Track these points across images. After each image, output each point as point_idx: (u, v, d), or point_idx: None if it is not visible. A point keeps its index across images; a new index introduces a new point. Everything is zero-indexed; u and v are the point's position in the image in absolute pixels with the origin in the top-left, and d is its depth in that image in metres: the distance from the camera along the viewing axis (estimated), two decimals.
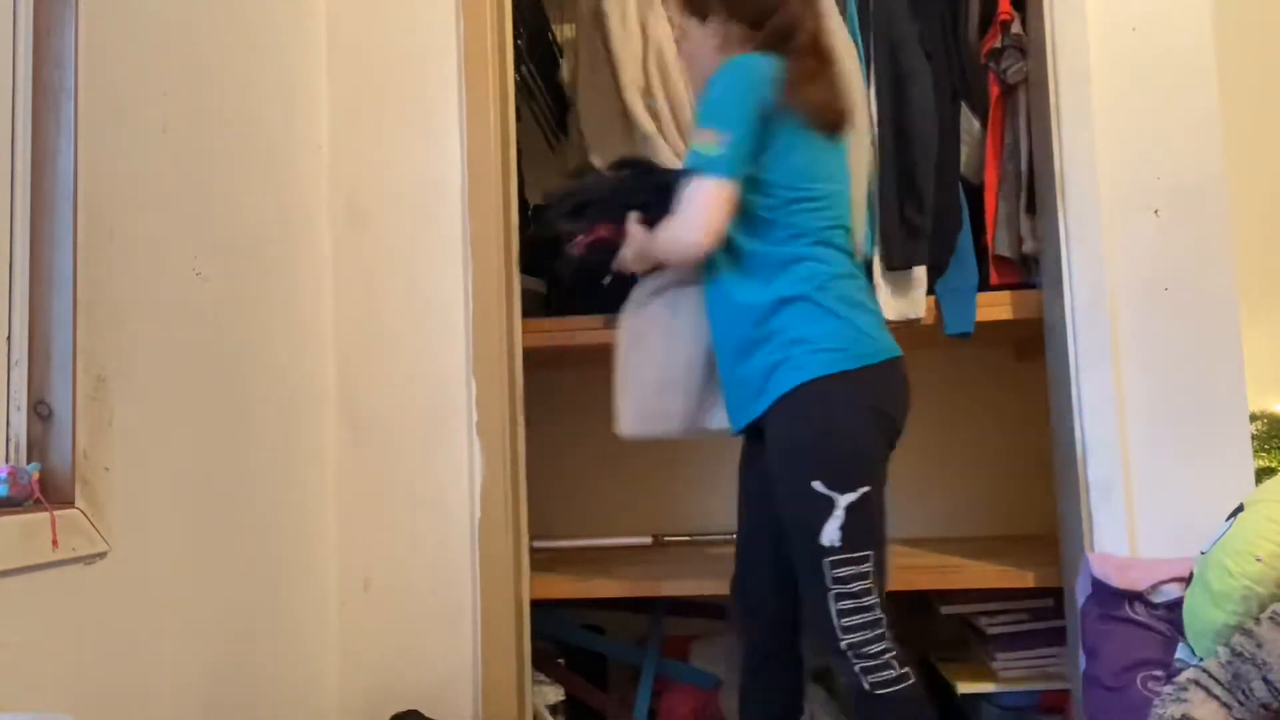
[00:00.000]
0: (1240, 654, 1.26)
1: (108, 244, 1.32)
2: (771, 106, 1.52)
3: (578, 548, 2.49)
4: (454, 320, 1.89)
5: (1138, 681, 1.54)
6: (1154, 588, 1.59)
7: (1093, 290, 1.73)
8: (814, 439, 1.51)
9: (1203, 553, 1.41)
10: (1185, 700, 1.27)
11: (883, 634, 1.49)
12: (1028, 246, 1.96)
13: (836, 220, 1.58)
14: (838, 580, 1.48)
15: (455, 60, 1.93)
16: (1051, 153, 1.78)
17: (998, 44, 1.97)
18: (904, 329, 2.02)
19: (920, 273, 1.98)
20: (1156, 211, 1.74)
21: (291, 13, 1.87)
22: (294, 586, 1.75)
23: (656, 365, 1.85)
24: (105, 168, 1.32)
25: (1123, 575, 1.62)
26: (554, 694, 2.07)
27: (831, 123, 1.58)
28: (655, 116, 2.08)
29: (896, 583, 1.98)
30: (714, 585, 1.98)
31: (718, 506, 2.52)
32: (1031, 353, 2.19)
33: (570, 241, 1.73)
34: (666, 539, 2.52)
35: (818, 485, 1.48)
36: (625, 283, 1.83)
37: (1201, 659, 1.35)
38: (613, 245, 1.70)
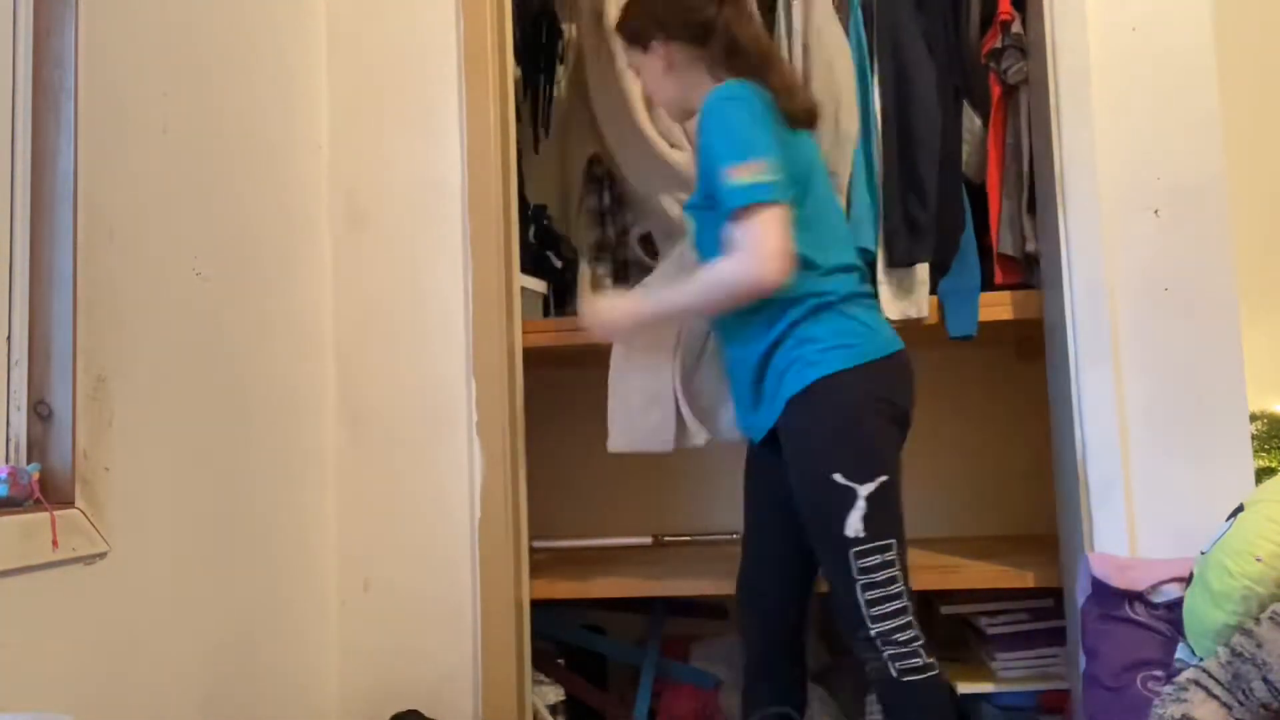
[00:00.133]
0: (1240, 654, 1.26)
1: (108, 244, 1.32)
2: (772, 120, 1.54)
3: (578, 548, 2.49)
4: (454, 320, 1.89)
5: (1138, 681, 1.54)
6: (1154, 588, 1.59)
7: (1093, 290, 1.73)
8: (832, 433, 1.54)
9: (1203, 553, 1.41)
10: (1185, 700, 1.27)
11: (910, 621, 1.51)
12: (1031, 246, 1.96)
13: (834, 239, 1.61)
14: (864, 570, 1.50)
15: (455, 60, 1.93)
16: (1051, 152, 1.78)
17: (998, 44, 1.97)
18: (906, 328, 2.02)
19: (923, 271, 1.98)
20: (1156, 211, 1.74)
21: (291, 13, 1.87)
22: (294, 586, 1.75)
23: (641, 383, 1.88)
24: (105, 168, 1.32)
25: (1123, 575, 1.62)
26: (554, 694, 2.07)
27: (802, 118, 1.60)
28: (657, 120, 2.08)
29: None
30: (714, 585, 1.98)
31: (718, 506, 2.52)
32: (1032, 353, 2.19)
33: None
34: (666, 539, 2.52)
35: (838, 477, 1.50)
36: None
37: (1201, 659, 1.35)
38: None
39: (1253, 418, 1.89)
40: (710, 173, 1.54)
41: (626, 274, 2.28)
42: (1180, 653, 1.47)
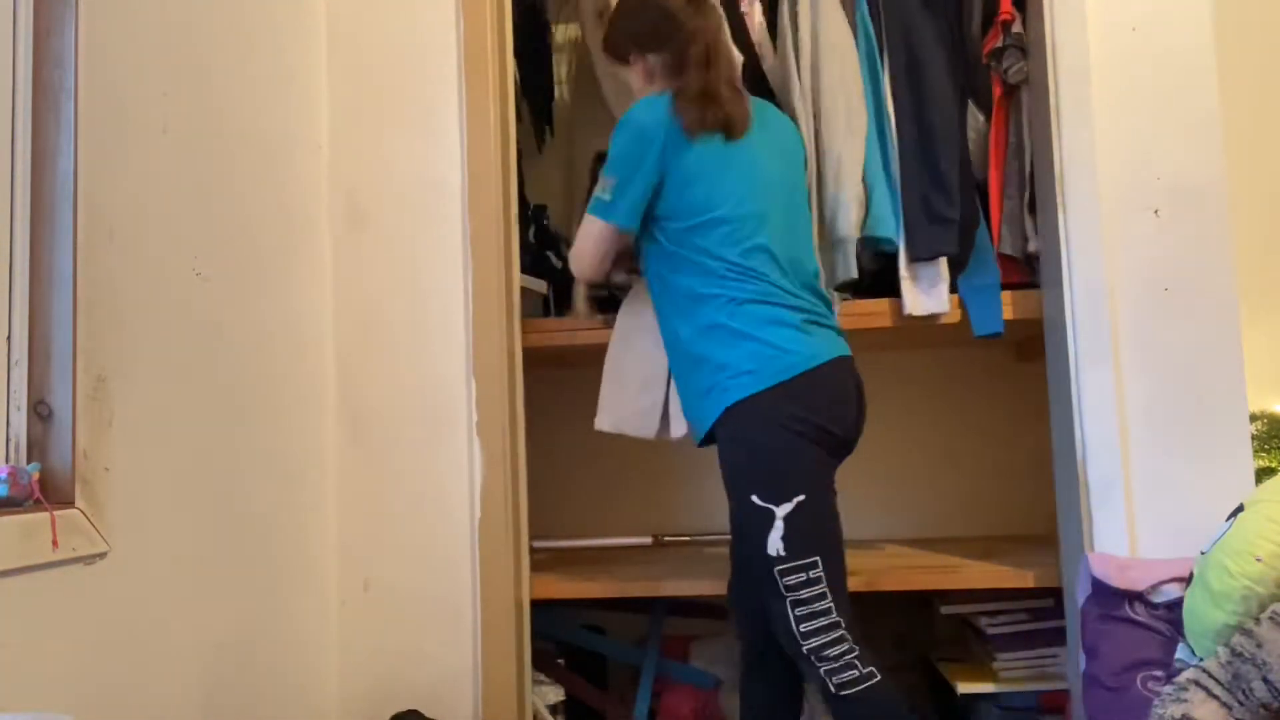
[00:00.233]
0: (1240, 654, 1.26)
1: (108, 244, 1.32)
2: (663, 145, 1.63)
3: (578, 548, 2.49)
4: (454, 320, 1.89)
5: (1138, 681, 1.54)
6: (1154, 588, 1.59)
7: (1093, 290, 1.73)
8: (746, 457, 1.58)
9: (1203, 553, 1.41)
10: (1185, 700, 1.27)
11: (842, 636, 1.52)
12: (1033, 245, 1.96)
13: (751, 243, 1.63)
14: (789, 588, 1.53)
15: (455, 60, 1.93)
16: (1051, 152, 1.78)
17: (999, 43, 1.97)
18: (915, 329, 2.02)
19: (944, 268, 1.96)
20: (1156, 211, 1.74)
21: (291, 13, 1.87)
22: (294, 586, 1.75)
23: (639, 366, 1.88)
24: (105, 168, 1.32)
25: (1123, 575, 1.62)
26: (554, 694, 2.07)
27: (717, 128, 1.65)
28: None
29: (896, 583, 1.99)
30: (714, 585, 1.98)
31: (718, 506, 2.50)
32: (1031, 353, 2.19)
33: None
34: (666, 539, 2.52)
35: (755, 499, 1.55)
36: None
37: (1201, 659, 1.35)
38: None
39: (1253, 418, 1.89)
40: None
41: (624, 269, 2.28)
42: (1180, 653, 1.47)
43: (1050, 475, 1.91)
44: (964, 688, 1.95)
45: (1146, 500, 1.70)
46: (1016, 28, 1.94)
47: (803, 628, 1.52)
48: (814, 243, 1.89)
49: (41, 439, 1.25)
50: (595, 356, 2.02)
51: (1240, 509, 1.39)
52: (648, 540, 2.52)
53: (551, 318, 2.28)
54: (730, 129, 1.66)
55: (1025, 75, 1.95)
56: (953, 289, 1.98)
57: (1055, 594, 1.90)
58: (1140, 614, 1.60)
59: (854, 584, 1.95)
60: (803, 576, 1.52)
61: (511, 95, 2.01)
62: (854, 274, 1.94)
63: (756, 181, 1.67)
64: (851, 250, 1.93)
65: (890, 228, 1.94)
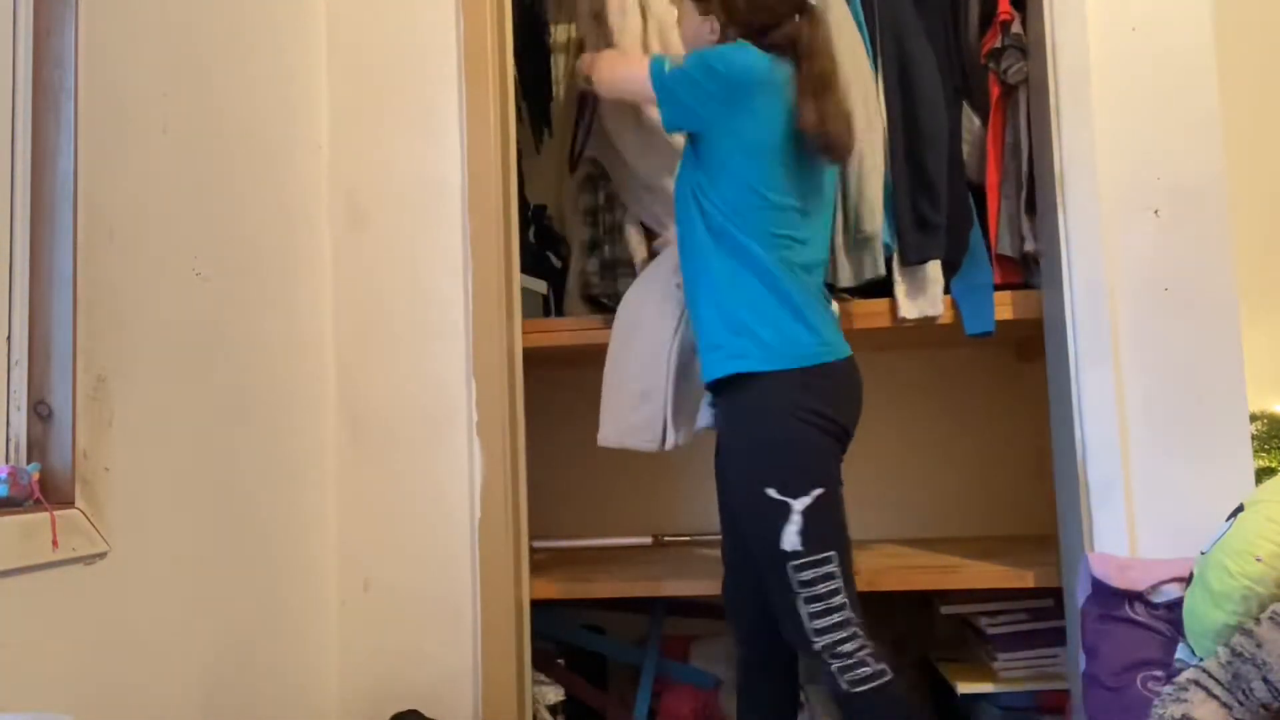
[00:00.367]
0: (1240, 654, 1.26)
1: (108, 244, 1.32)
2: (742, 90, 1.56)
3: (578, 548, 2.49)
4: (454, 320, 1.89)
5: (1138, 681, 1.54)
6: (1154, 588, 1.59)
7: (1093, 290, 1.73)
8: (762, 445, 1.55)
9: (1203, 553, 1.41)
10: (1185, 700, 1.27)
11: (855, 633, 1.50)
12: (1029, 246, 1.96)
13: (791, 233, 1.60)
14: (803, 584, 1.50)
15: (455, 60, 1.93)
16: (1051, 153, 1.78)
17: (998, 44, 1.97)
18: (914, 329, 2.02)
19: (936, 270, 1.96)
20: (1156, 211, 1.74)
21: (291, 13, 1.86)
22: (294, 586, 1.75)
23: (638, 376, 1.88)
24: (105, 168, 1.32)
25: (1122, 575, 1.62)
26: (554, 694, 2.07)
27: (826, 148, 1.59)
28: None
29: (896, 583, 1.99)
30: (714, 585, 1.98)
31: (718, 507, 2.52)
32: (1031, 353, 2.19)
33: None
34: (666, 539, 2.52)
35: (771, 492, 1.50)
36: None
37: (1201, 659, 1.35)
38: None
39: (1253, 418, 1.89)
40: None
41: (615, 271, 2.29)
42: (1180, 653, 1.47)
43: (1050, 475, 1.91)
44: (964, 688, 1.95)
45: (1146, 500, 1.70)
46: (1015, 28, 1.94)
47: (815, 624, 1.50)
48: (841, 243, 1.91)
49: (41, 439, 1.25)
50: (595, 356, 2.02)
51: (1240, 509, 1.39)
52: (648, 540, 2.52)
53: (551, 318, 2.28)
54: (833, 153, 1.61)
55: (1024, 75, 1.95)
56: (948, 289, 1.98)
57: (1055, 594, 1.90)
58: (1140, 614, 1.60)
59: None
60: (818, 572, 1.50)
61: (511, 95, 2.01)
62: (882, 271, 1.94)
63: (823, 181, 1.67)
64: (879, 247, 1.93)
65: (886, 231, 1.94)
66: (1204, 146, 1.73)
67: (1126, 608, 1.61)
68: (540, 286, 2.26)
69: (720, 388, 1.62)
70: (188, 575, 1.45)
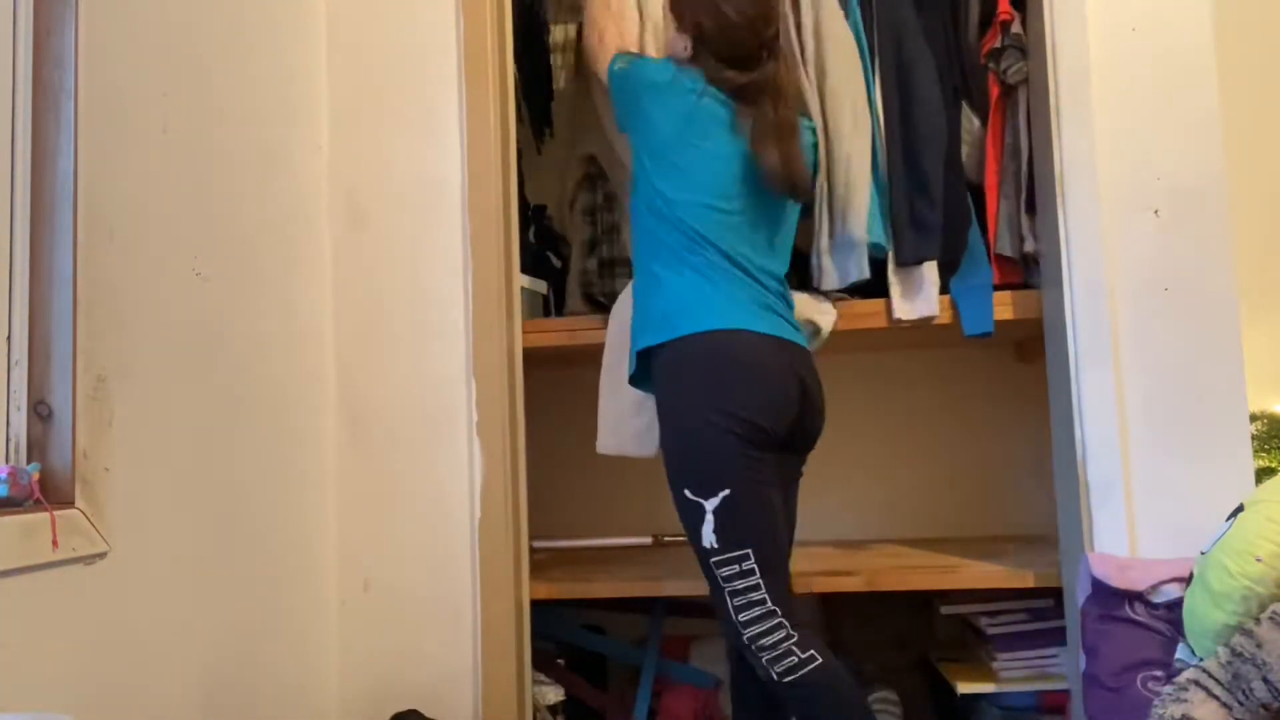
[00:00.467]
0: (1240, 654, 1.26)
1: (108, 244, 1.32)
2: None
3: (578, 548, 2.49)
4: (454, 320, 1.89)
5: (1138, 681, 1.55)
6: (1154, 588, 1.59)
7: (1093, 290, 1.73)
8: (675, 448, 1.62)
9: (1203, 553, 1.41)
10: (1185, 700, 1.27)
11: (779, 624, 1.53)
12: (1029, 246, 1.96)
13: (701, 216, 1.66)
14: (725, 579, 1.56)
15: (455, 60, 1.93)
16: (1051, 153, 1.78)
17: (998, 44, 1.97)
18: (913, 330, 2.02)
19: (932, 270, 1.96)
20: (1156, 211, 1.74)
21: (291, 13, 1.86)
22: (294, 586, 1.75)
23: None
24: (105, 168, 1.32)
25: (1122, 575, 1.62)
26: (554, 694, 2.07)
27: (791, 189, 1.67)
28: None
29: (896, 583, 1.99)
30: None
31: None
32: (1031, 353, 2.19)
33: None
34: (666, 539, 2.52)
35: (688, 493, 1.59)
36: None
37: (1201, 659, 1.35)
38: None
39: (1253, 418, 1.89)
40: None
41: (614, 270, 2.29)
42: (1180, 653, 1.47)
43: (1050, 475, 1.91)
44: (964, 688, 1.95)
45: (1146, 500, 1.70)
46: (1015, 28, 1.94)
47: (740, 617, 1.55)
48: (825, 246, 1.90)
49: (41, 439, 1.25)
50: (595, 356, 2.02)
51: (1240, 509, 1.39)
52: (648, 540, 2.52)
53: (551, 318, 2.28)
54: (795, 192, 1.69)
55: (1024, 75, 1.95)
56: (946, 290, 1.98)
57: (1055, 594, 1.90)
58: (1140, 614, 1.60)
59: (854, 584, 1.96)
60: (735, 569, 1.55)
61: (512, 95, 2.01)
62: (867, 274, 1.93)
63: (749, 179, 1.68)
64: (864, 252, 1.92)
65: (879, 232, 1.94)
66: (1204, 146, 1.73)
67: (1126, 608, 1.61)
68: (540, 286, 2.26)
69: None
70: (188, 575, 1.45)
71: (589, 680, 2.32)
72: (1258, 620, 1.27)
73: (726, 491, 1.55)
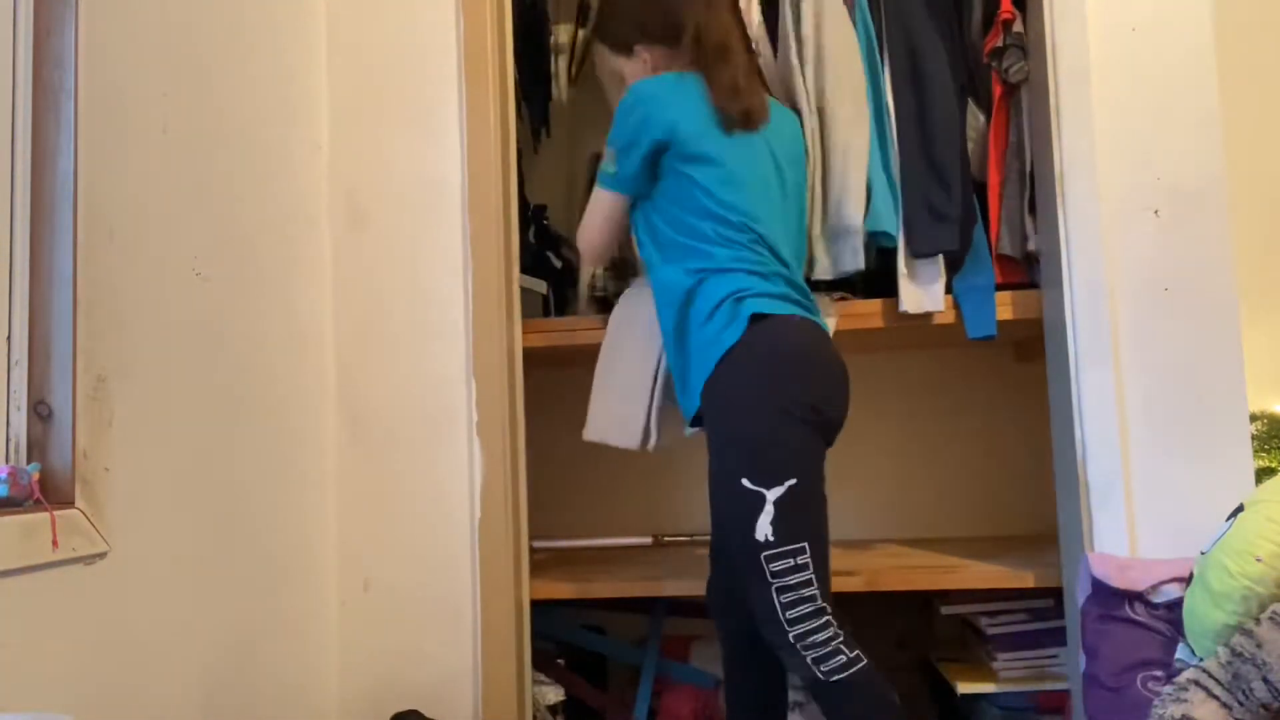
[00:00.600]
0: (1240, 654, 1.26)
1: (108, 244, 1.32)
2: (658, 123, 1.64)
3: (578, 548, 2.49)
4: (454, 320, 1.89)
5: (1138, 681, 1.55)
6: (1154, 588, 1.59)
7: (1093, 290, 1.73)
8: (740, 435, 1.56)
9: (1203, 553, 1.41)
10: (1185, 700, 1.27)
11: (828, 621, 1.51)
12: (1032, 245, 1.96)
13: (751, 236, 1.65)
14: (775, 574, 1.51)
15: (455, 60, 1.93)
16: (1051, 153, 1.78)
17: (999, 43, 1.97)
18: (914, 329, 2.02)
19: (943, 267, 1.95)
20: (1156, 212, 1.74)
21: (291, 13, 1.87)
22: (294, 586, 1.76)
23: (622, 374, 1.88)
24: (105, 168, 1.32)
25: (1122, 575, 1.62)
26: (554, 694, 2.07)
27: (738, 120, 1.66)
28: None
29: (896, 583, 1.99)
30: None
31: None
32: (1031, 353, 2.19)
33: None
34: (666, 539, 2.52)
35: (746, 482, 1.52)
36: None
37: (1201, 659, 1.35)
38: None
39: (1253, 418, 1.89)
40: None
41: (624, 271, 2.29)
42: (1180, 653, 1.47)
43: (1050, 475, 1.91)
44: (964, 688, 1.95)
45: (1146, 500, 1.70)
46: (1017, 27, 1.94)
47: (789, 614, 1.50)
48: (819, 234, 1.90)
49: (41, 439, 1.25)
50: (595, 356, 2.02)
51: (1240, 509, 1.39)
52: (648, 540, 2.52)
53: (551, 318, 2.28)
54: (748, 121, 1.68)
55: (1025, 75, 1.95)
56: (948, 289, 1.98)
57: (1055, 594, 1.90)
58: (1140, 614, 1.60)
59: (854, 584, 1.96)
60: (790, 563, 1.51)
61: (512, 95, 2.01)
62: (862, 264, 1.91)
63: (755, 175, 1.68)
64: (860, 241, 1.91)
65: (891, 223, 1.92)
66: (1204, 147, 1.73)
67: (1126, 608, 1.61)
68: (540, 286, 2.26)
69: None
70: (188, 575, 1.45)
71: (589, 680, 2.32)
72: (1258, 620, 1.27)
73: (793, 481, 1.51)
